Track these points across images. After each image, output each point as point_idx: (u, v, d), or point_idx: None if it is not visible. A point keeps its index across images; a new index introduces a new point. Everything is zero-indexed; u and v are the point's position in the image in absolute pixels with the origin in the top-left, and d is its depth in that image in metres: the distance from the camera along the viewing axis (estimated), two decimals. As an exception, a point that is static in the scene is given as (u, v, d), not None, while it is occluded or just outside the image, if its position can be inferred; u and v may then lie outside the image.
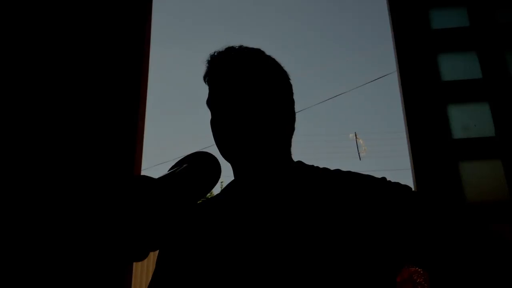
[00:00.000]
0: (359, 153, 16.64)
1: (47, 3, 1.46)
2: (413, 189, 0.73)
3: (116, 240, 0.51)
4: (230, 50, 0.81)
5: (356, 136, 16.76)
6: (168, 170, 0.65)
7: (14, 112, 1.33)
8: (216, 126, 0.78)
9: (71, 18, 1.45)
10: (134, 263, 1.30)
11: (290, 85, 0.85)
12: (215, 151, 0.82)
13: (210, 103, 0.80)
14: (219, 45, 0.83)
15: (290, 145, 0.83)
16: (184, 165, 0.65)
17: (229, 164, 0.81)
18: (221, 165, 0.72)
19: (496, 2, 1.43)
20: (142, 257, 0.55)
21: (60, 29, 1.44)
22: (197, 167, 0.66)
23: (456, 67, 1.38)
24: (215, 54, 0.81)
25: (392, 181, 0.74)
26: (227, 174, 0.83)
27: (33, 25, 1.43)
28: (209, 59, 0.82)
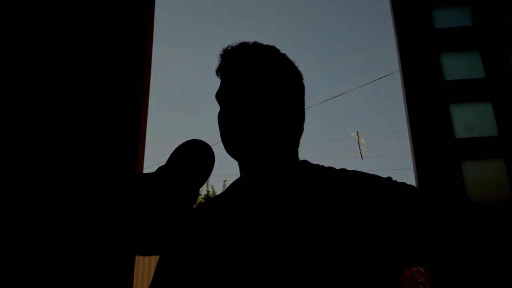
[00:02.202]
0: (361, 153, 16.62)
1: (49, 2, 1.46)
2: (418, 190, 0.73)
3: (121, 235, 0.52)
4: (245, 45, 0.80)
5: (358, 135, 16.74)
6: (163, 165, 0.65)
7: (17, 111, 1.33)
8: (224, 120, 0.77)
9: (72, 18, 1.45)
10: (135, 262, 1.29)
11: (303, 85, 0.83)
12: (218, 149, 0.82)
13: (220, 95, 0.80)
14: (221, 45, 0.83)
15: (297, 145, 0.82)
16: (176, 158, 0.65)
17: (234, 162, 0.81)
18: (225, 163, 0.72)
19: (499, 2, 1.43)
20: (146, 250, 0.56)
21: (62, 29, 1.44)
22: (189, 157, 0.66)
23: (459, 66, 1.38)
24: (230, 48, 0.81)
25: (398, 181, 0.73)
26: (229, 173, 0.83)
27: (33, 23, 1.44)
28: (223, 52, 0.81)
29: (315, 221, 0.68)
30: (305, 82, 0.84)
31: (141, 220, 0.53)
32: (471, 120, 1.31)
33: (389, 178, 0.74)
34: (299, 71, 0.84)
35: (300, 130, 0.81)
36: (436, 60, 1.38)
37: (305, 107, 0.84)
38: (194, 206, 0.82)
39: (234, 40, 0.82)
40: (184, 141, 0.70)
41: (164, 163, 0.65)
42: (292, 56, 0.84)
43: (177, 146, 0.70)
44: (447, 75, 1.36)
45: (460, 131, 1.29)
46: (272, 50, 0.81)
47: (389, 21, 1.49)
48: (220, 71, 0.81)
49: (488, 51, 1.37)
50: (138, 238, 0.53)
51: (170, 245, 0.81)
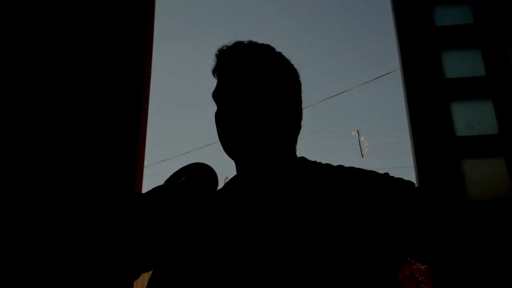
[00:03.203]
0: (361, 150, 16.59)
1: (50, 2, 1.46)
2: (416, 185, 0.73)
3: (110, 262, 0.51)
4: (240, 44, 0.81)
5: (358, 133, 16.70)
6: (164, 182, 0.64)
7: (18, 110, 1.34)
8: (221, 119, 0.77)
9: (73, 17, 1.45)
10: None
11: (299, 83, 0.84)
12: (219, 148, 0.82)
13: (216, 95, 0.80)
14: (222, 44, 0.83)
15: (295, 143, 0.82)
16: (182, 179, 0.64)
17: (231, 159, 0.81)
18: (224, 159, 0.71)
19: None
20: (135, 277, 0.55)
21: (62, 29, 1.44)
22: (194, 180, 0.65)
23: (460, 64, 1.38)
24: (225, 47, 0.81)
25: (395, 177, 0.73)
26: (230, 171, 0.83)
27: (33, 22, 1.44)
28: (218, 52, 0.81)
29: (312, 218, 0.68)
30: (305, 80, 0.84)
31: (132, 244, 0.53)
32: (471, 118, 1.31)
33: (386, 174, 0.74)
34: (295, 69, 0.84)
35: (298, 127, 0.81)
36: (437, 58, 1.37)
37: (306, 105, 0.84)
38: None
39: (236, 38, 0.83)
40: (192, 163, 0.70)
41: (162, 184, 0.64)
42: (292, 55, 0.84)
43: (183, 167, 0.69)
44: (448, 73, 1.36)
45: (461, 129, 1.29)
46: (267, 49, 0.82)
47: (390, 19, 1.49)
48: (216, 71, 0.81)
49: (489, 49, 1.37)
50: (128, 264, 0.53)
51: (169, 242, 0.81)
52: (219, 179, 0.76)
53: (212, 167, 0.76)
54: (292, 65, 0.84)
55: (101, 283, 1.12)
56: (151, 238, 0.54)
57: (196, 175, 0.65)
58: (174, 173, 0.65)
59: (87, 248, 1.13)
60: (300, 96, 0.83)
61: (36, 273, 1.14)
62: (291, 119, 0.79)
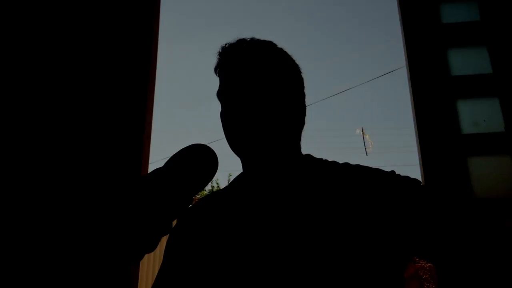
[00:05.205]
0: (365, 148, 16.55)
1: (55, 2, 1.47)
2: (422, 183, 0.73)
3: (111, 244, 0.52)
4: (241, 42, 0.80)
5: (362, 131, 16.66)
6: (164, 165, 0.64)
7: (23, 107, 1.34)
8: (226, 118, 0.78)
9: (79, 15, 1.46)
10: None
11: (302, 79, 0.84)
12: (223, 145, 0.82)
13: (220, 94, 0.80)
14: (225, 41, 0.83)
15: (299, 139, 0.82)
16: (177, 160, 0.64)
17: (237, 157, 0.81)
18: (230, 158, 0.71)
19: (507, -4, 1.41)
20: (137, 259, 0.55)
21: (69, 28, 1.44)
22: (191, 160, 0.64)
23: (466, 62, 1.37)
24: (227, 45, 0.81)
25: (401, 175, 0.73)
26: (234, 169, 0.83)
27: (39, 21, 1.44)
28: (221, 50, 0.81)
29: (318, 216, 0.68)
30: (309, 77, 0.84)
31: (132, 228, 0.53)
32: (478, 116, 1.30)
33: (393, 172, 0.74)
34: (297, 65, 0.84)
35: (302, 123, 0.81)
36: (443, 55, 1.37)
37: (311, 102, 0.84)
38: (196, 200, 0.81)
39: (240, 35, 0.82)
40: (191, 144, 0.69)
41: (161, 166, 0.64)
42: (299, 52, 0.84)
43: (181, 149, 0.68)
44: (454, 71, 1.35)
45: (467, 127, 1.29)
46: (269, 45, 0.82)
47: (395, 16, 1.48)
48: (218, 69, 0.81)
49: (495, 46, 1.36)
50: (128, 247, 0.53)
51: (174, 240, 0.82)
52: (223, 176, 0.76)
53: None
54: (294, 60, 0.84)
55: (106, 266, 1.13)
56: (151, 217, 0.54)
57: (196, 157, 0.64)
58: (174, 155, 0.65)
59: (89, 232, 1.14)
60: (303, 92, 0.83)
61: (41, 254, 1.15)
62: (295, 115, 0.79)
